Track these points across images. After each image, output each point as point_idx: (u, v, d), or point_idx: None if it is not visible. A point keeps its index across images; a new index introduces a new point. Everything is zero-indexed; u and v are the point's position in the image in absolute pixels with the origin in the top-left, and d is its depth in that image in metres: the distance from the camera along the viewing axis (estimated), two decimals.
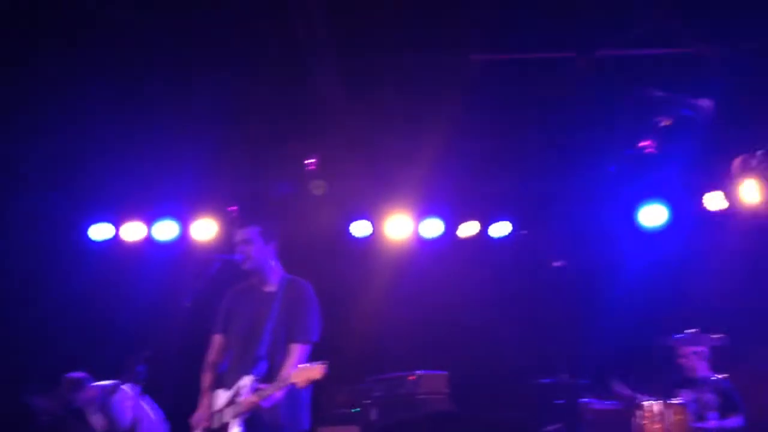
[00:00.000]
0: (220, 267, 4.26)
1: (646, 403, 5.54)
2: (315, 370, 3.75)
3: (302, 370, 3.78)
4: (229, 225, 4.17)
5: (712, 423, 5.54)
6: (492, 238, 7.55)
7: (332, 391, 6.40)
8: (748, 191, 5.24)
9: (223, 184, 7.16)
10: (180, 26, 5.30)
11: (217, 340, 4.32)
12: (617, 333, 6.79)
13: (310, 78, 5.70)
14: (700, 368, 5.88)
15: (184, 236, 7.37)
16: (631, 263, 7.03)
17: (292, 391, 3.93)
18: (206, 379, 4.25)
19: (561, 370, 6.34)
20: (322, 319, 4.24)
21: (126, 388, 4.03)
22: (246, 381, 3.97)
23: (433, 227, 7.51)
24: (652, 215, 7.08)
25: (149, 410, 5.46)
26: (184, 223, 7.38)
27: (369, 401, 6.54)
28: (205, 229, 7.30)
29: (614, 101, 5.46)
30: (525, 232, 7.25)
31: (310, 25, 5.11)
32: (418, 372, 6.63)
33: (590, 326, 7.01)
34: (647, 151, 4.76)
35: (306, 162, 7.01)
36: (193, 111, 6.14)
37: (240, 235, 4.22)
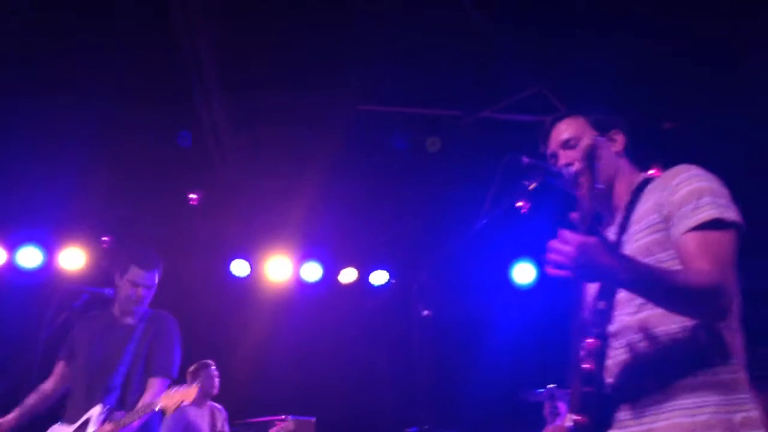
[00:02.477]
0: (87, 299, 4.11)
1: None
2: (188, 392, 3.61)
3: (173, 394, 3.63)
4: (133, 263, 4.03)
5: None
6: (372, 286, 7.63)
7: None
8: None
9: (95, 213, 6.92)
10: (56, 46, 5.13)
11: (60, 367, 4.15)
12: (487, 385, 6.97)
13: (194, 111, 5.64)
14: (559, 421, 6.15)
15: (49, 264, 7.04)
16: (504, 318, 7.28)
17: (146, 426, 3.80)
18: (27, 401, 4.03)
19: (427, 420, 6.42)
20: (185, 357, 4.16)
21: None
22: (96, 410, 3.79)
23: (313, 271, 7.52)
24: (524, 273, 7.41)
25: None
26: (50, 251, 7.06)
27: None
28: (72, 258, 7.02)
29: (491, 161, 5.73)
30: (394, 281, 7.38)
31: (197, 58, 5.08)
32: (286, 416, 6.58)
33: (462, 378, 7.17)
34: (522, 211, 5.00)
35: (189, 197, 6.90)
36: (66, 135, 5.90)
37: (146, 279, 4.09)
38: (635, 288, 1.96)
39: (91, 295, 4.09)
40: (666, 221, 2.11)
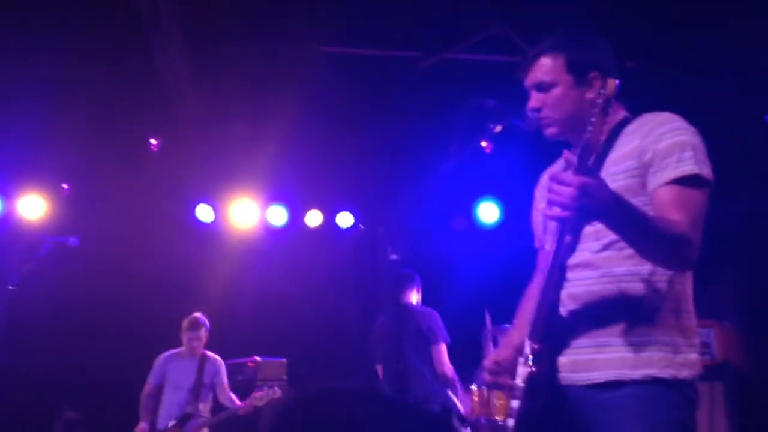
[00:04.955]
0: (50, 249, 4.06)
1: (473, 388, 5.87)
2: None
3: None
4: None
5: None
6: (340, 228, 7.65)
7: None
8: None
9: (54, 159, 6.78)
10: None
11: None
12: (453, 322, 7.09)
13: (152, 55, 5.51)
14: None
15: (9, 213, 6.92)
16: (469, 257, 7.36)
17: None
18: None
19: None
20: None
21: None
22: None
23: (279, 214, 7.51)
24: (488, 212, 7.47)
25: None
26: (9, 199, 6.92)
27: None
28: (33, 207, 6.90)
29: (454, 102, 5.72)
30: (362, 226, 7.42)
31: (154, 3, 4.94)
32: (257, 358, 6.67)
33: None
34: (486, 151, 5.03)
35: (150, 142, 6.79)
36: (24, 78, 5.73)
37: None
38: (624, 229, 2.00)
39: (55, 244, 4.05)
40: (644, 167, 2.15)
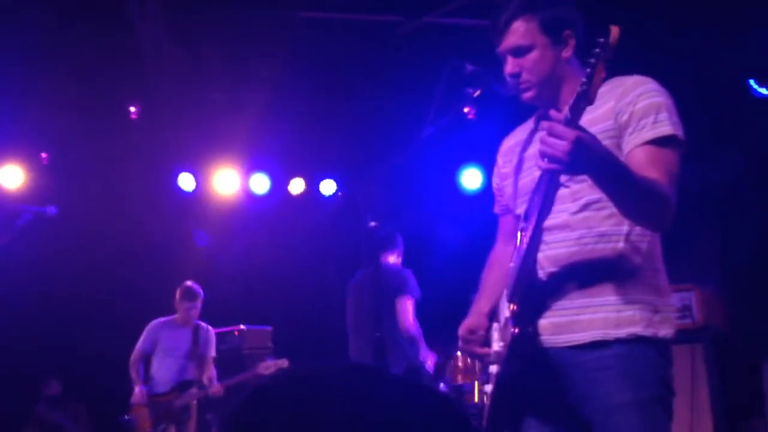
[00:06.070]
0: (30, 219, 4.02)
1: (458, 354, 5.92)
2: None
3: None
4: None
5: None
6: (323, 196, 7.63)
7: None
8: None
9: (33, 127, 6.69)
10: None
11: None
12: (437, 288, 7.13)
13: (132, 23, 5.42)
14: None
15: None
16: (452, 223, 7.38)
17: None
18: None
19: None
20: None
21: None
22: None
23: (261, 182, 7.47)
24: (472, 178, 7.47)
25: None
26: None
27: None
28: (11, 176, 6.81)
29: (435, 67, 5.67)
30: (341, 193, 7.41)
31: None
32: (242, 326, 6.69)
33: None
34: (469, 117, 5.00)
35: (129, 110, 6.72)
36: (1, 51, 5.65)
37: None
38: (613, 185, 2.00)
39: (34, 214, 4.01)
40: (619, 129, 2.15)
